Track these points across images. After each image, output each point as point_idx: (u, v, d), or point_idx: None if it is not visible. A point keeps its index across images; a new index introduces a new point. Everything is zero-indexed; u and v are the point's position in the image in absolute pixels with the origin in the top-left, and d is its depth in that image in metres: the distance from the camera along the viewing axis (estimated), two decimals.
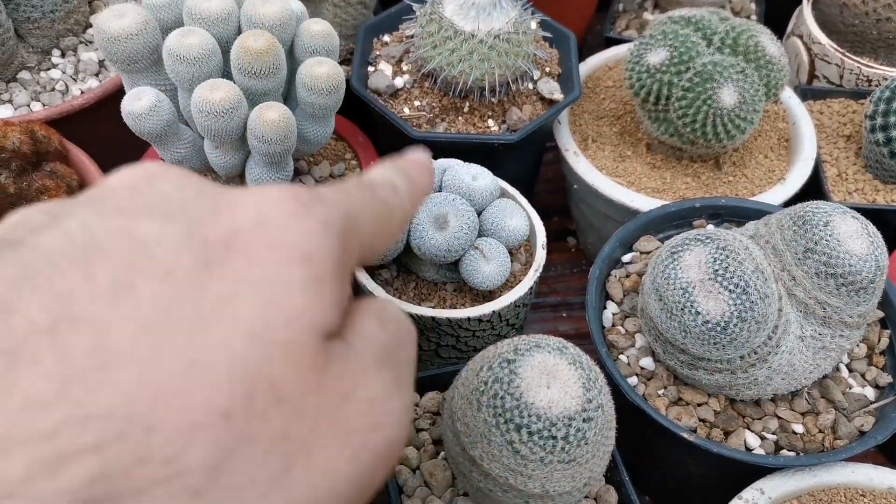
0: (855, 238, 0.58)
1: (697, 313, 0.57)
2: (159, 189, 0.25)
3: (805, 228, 0.59)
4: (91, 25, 0.92)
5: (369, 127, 0.88)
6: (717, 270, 0.57)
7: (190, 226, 0.24)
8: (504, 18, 0.76)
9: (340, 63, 0.72)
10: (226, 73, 0.68)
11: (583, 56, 0.99)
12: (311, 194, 0.26)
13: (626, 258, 0.73)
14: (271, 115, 0.64)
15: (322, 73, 0.67)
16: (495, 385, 0.49)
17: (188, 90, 0.66)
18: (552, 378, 0.49)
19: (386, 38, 0.89)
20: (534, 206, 0.76)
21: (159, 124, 0.65)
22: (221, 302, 0.22)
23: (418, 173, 0.37)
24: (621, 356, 0.66)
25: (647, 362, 0.65)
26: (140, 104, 0.64)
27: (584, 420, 0.48)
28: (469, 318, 0.67)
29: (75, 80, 0.87)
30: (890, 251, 0.75)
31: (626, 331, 0.68)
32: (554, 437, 0.47)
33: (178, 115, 0.69)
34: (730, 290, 0.56)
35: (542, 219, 0.76)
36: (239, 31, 0.68)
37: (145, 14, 0.64)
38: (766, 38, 0.78)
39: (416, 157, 0.39)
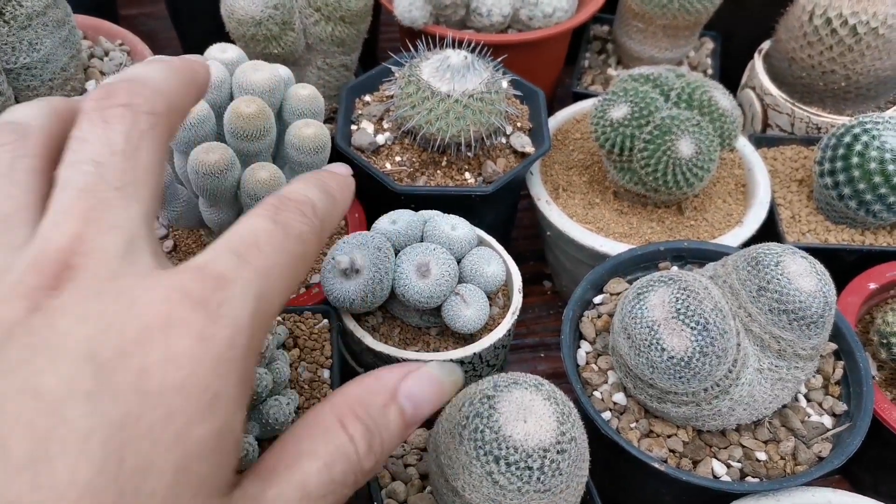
0: (804, 276, 0.63)
1: (663, 349, 0.61)
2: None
3: (758, 269, 0.64)
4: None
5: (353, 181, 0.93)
6: (679, 309, 0.62)
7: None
8: (477, 79, 0.81)
9: (325, 122, 0.76)
10: (219, 136, 0.72)
11: (553, 108, 1.05)
12: (213, 284, 0.24)
13: (597, 300, 0.77)
14: (263, 175, 0.69)
15: (309, 134, 0.72)
16: (476, 419, 0.53)
17: (184, 153, 0.70)
18: (528, 412, 0.53)
19: (367, 97, 0.94)
20: (510, 251, 0.81)
21: None
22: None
23: (339, 190, 0.35)
24: (595, 392, 0.70)
25: (619, 397, 0.69)
26: None
27: (558, 452, 0.52)
28: (452, 360, 0.71)
29: None
30: (841, 287, 0.81)
31: (599, 368, 0.72)
32: (530, 468, 0.51)
33: (174, 176, 0.73)
34: (691, 327, 0.61)
35: (519, 263, 0.80)
36: (231, 97, 0.73)
37: None
38: (718, 93, 0.84)
39: (338, 171, 0.37)
